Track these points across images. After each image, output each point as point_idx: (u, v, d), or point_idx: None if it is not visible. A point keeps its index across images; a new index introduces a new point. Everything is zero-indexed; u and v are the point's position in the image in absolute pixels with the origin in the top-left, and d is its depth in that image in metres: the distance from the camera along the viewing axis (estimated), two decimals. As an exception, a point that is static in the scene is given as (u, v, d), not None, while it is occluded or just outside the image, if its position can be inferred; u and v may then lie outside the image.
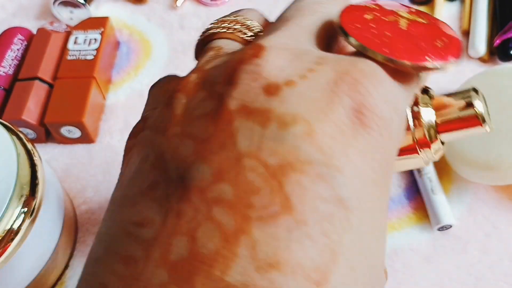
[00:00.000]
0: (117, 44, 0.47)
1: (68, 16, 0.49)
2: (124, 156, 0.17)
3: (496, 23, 0.46)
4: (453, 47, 0.17)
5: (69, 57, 0.43)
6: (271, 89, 0.14)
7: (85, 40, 0.44)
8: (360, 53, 0.16)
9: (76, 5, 0.48)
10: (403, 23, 0.17)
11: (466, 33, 0.46)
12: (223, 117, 0.14)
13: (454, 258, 0.35)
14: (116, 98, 0.44)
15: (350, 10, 0.17)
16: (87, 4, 0.48)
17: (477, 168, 0.35)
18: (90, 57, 0.43)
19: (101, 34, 0.44)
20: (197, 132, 0.14)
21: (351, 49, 0.17)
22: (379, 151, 0.15)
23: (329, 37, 0.18)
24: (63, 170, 0.40)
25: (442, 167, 0.38)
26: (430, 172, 0.37)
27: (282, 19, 0.18)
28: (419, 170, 0.37)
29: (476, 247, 0.35)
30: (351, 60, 0.15)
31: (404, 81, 0.16)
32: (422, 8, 0.49)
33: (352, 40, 0.16)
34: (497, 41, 0.44)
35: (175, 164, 0.14)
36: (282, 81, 0.15)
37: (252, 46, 0.16)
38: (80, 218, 0.38)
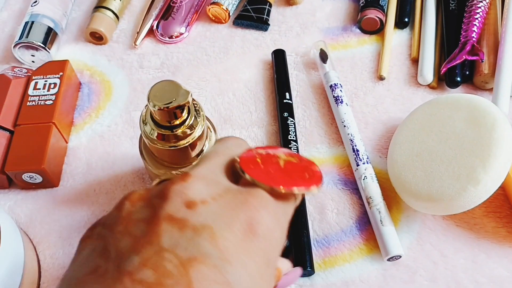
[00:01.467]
0: (78, 86, 0.49)
1: (30, 59, 0.50)
2: (79, 243, 0.22)
3: (444, 51, 0.47)
4: (316, 178, 0.25)
5: (29, 103, 0.44)
6: (191, 205, 0.21)
7: (44, 84, 0.45)
8: (254, 184, 0.23)
9: (37, 48, 0.49)
10: (281, 163, 0.25)
11: (416, 61, 0.48)
12: (154, 222, 0.20)
13: (403, 287, 0.36)
14: (78, 140, 0.45)
15: (247, 154, 0.25)
16: (47, 48, 0.49)
17: (421, 200, 0.37)
18: (49, 102, 0.44)
19: (60, 78, 0.45)
20: (135, 231, 0.20)
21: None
22: (262, 251, 0.21)
23: (235, 171, 0.25)
24: (27, 216, 0.41)
25: (392, 197, 0.40)
26: (379, 204, 0.38)
27: (205, 156, 0.25)
28: (368, 202, 0.39)
29: (424, 275, 0.37)
30: (247, 190, 0.22)
31: (284, 200, 0.23)
32: (373, 37, 0.50)
33: (247, 176, 0.23)
34: (443, 69, 0.45)
35: (115, 254, 0.19)
36: (199, 200, 0.21)
37: (182, 174, 0.22)
38: (44, 264, 0.39)
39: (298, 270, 0.31)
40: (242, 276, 0.19)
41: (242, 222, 0.20)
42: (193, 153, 0.35)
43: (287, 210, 0.23)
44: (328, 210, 0.40)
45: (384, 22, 0.50)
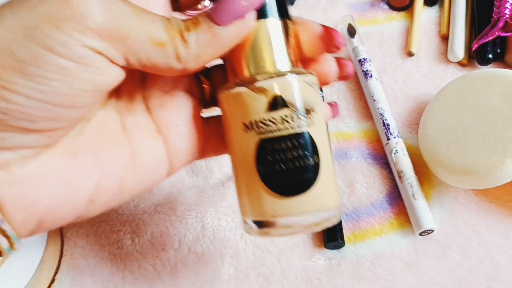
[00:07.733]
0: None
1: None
2: None
3: (474, 27, 0.46)
4: None
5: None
6: None
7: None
8: None
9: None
10: None
11: (445, 38, 0.47)
12: None
13: (435, 262, 0.35)
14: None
15: None
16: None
17: (455, 173, 0.36)
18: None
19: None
20: None
21: None
22: None
23: None
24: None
25: (423, 172, 0.39)
26: (410, 178, 0.38)
27: None
28: (400, 176, 0.38)
29: (457, 251, 0.36)
30: None
31: None
32: (401, 13, 0.49)
33: None
34: (475, 46, 0.44)
35: None
36: None
37: None
38: (67, 232, 0.39)
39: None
40: None
41: None
42: None
43: None
44: (357, 184, 0.39)
45: (413, -2, 0.49)
